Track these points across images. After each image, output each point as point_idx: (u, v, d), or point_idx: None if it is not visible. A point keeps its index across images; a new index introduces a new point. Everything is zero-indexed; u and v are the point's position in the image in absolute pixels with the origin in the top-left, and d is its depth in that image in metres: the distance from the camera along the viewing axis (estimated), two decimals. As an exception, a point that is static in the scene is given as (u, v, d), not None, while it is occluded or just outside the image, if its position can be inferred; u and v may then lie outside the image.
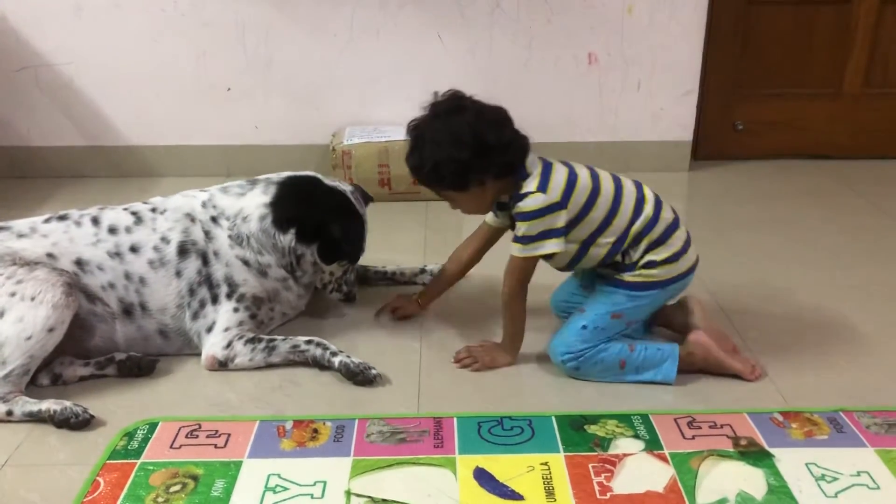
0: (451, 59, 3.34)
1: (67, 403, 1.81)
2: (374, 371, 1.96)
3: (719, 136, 3.65)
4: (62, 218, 2.06)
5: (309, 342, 2.03)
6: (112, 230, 2.04)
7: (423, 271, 2.49)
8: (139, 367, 1.98)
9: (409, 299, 2.26)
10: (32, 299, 1.81)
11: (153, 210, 2.10)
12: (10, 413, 1.80)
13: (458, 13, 3.28)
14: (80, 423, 1.78)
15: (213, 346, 2.02)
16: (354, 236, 2.14)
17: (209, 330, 2.04)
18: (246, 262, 2.07)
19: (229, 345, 2.01)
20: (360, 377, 1.94)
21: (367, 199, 2.30)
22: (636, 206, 1.89)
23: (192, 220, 2.08)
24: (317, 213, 2.09)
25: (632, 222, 1.88)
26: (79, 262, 1.98)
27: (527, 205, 1.82)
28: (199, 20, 3.26)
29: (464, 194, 1.88)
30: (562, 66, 3.37)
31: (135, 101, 3.40)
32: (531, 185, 1.83)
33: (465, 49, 3.33)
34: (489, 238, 2.10)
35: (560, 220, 1.83)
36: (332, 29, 3.29)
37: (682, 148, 3.53)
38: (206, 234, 2.07)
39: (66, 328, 1.86)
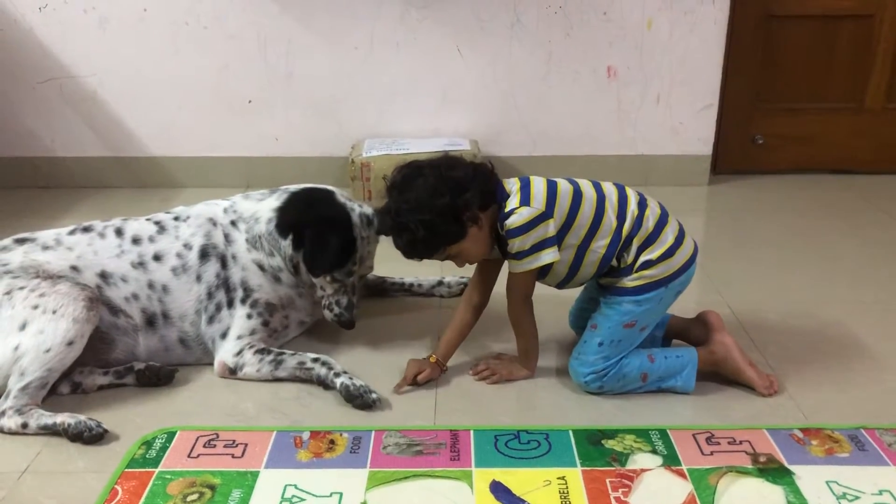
0: (470, 73, 3.36)
1: (82, 417, 1.80)
2: (374, 395, 1.91)
3: (739, 151, 3.63)
4: (86, 230, 2.08)
5: (315, 360, 2.01)
6: (136, 241, 2.07)
7: (440, 283, 2.50)
8: (158, 376, 1.99)
9: (426, 363, 2.02)
10: (54, 312, 1.83)
11: (176, 218, 2.13)
12: (25, 426, 1.80)
13: (477, 27, 3.29)
14: (93, 437, 1.77)
15: (225, 352, 2.04)
16: (325, 245, 2.01)
17: (223, 336, 2.05)
18: (261, 267, 2.09)
19: (240, 353, 2.03)
20: (359, 401, 1.90)
21: (382, 230, 2.07)
22: (619, 205, 1.89)
23: (214, 224, 2.12)
24: (307, 222, 2.04)
25: (620, 222, 1.87)
26: (103, 275, 2.00)
27: (513, 221, 1.82)
28: (221, 33, 3.30)
29: (465, 241, 1.86)
30: (581, 80, 3.38)
31: (157, 113, 3.44)
32: (514, 201, 1.84)
33: (484, 63, 3.35)
34: (489, 275, 2.04)
35: (549, 228, 1.84)
36: (352, 42, 3.32)
37: (702, 162, 3.52)
38: (226, 237, 2.10)
39: (86, 342, 1.88)
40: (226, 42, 3.31)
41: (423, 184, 1.84)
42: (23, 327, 1.82)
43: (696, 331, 2.06)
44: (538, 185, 1.87)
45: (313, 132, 3.45)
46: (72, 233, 2.07)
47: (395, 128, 3.41)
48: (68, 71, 3.35)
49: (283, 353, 2.04)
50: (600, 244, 1.88)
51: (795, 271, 2.68)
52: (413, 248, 1.86)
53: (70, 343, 1.84)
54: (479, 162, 1.94)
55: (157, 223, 2.12)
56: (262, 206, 2.13)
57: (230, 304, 2.07)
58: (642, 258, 1.88)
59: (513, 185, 1.89)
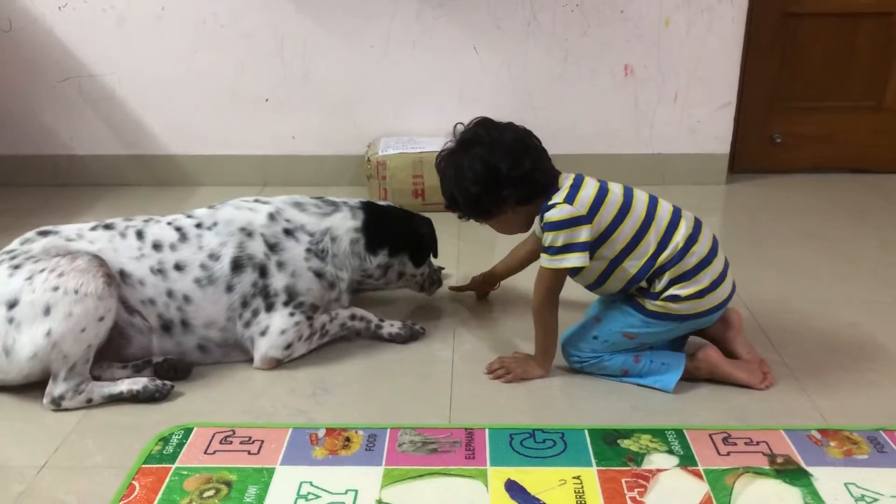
0: (486, 72, 3.35)
1: (143, 380, 1.92)
2: (417, 326, 2.22)
3: (757, 149, 3.61)
4: (108, 227, 2.08)
5: (352, 318, 2.18)
6: (156, 246, 2.04)
7: None
8: (175, 370, 2.01)
9: (478, 280, 2.40)
10: (76, 292, 1.84)
11: (198, 225, 2.09)
12: (90, 401, 1.89)
13: (493, 25, 3.29)
14: (163, 395, 1.93)
15: (271, 348, 2.05)
16: (435, 238, 2.37)
17: (263, 333, 2.05)
18: (319, 275, 2.11)
19: (290, 346, 2.06)
20: (412, 339, 2.20)
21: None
22: (665, 234, 1.87)
23: (249, 234, 2.08)
24: (403, 230, 2.29)
25: (659, 250, 1.86)
26: (121, 274, 1.99)
27: (552, 215, 1.84)
28: (238, 32, 3.31)
29: (491, 221, 1.97)
30: (598, 79, 3.36)
31: (175, 112, 3.46)
32: (559, 196, 1.85)
33: (500, 61, 3.34)
34: (538, 246, 2.09)
35: (583, 234, 1.83)
36: (368, 41, 3.32)
37: (719, 161, 3.49)
38: (272, 246, 2.07)
39: (114, 315, 1.91)
40: (242, 41, 3.32)
41: (468, 162, 1.87)
42: (47, 311, 1.83)
43: (714, 326, 2.04)
44: (588, 189, 1.87)
45: (329, 131, 3.46)
46: (93, 229, 2.07)
47: (411, 126, 3.42)
48: (87, 70, 3.38)
49: (324, 325, 2.13)
50: (632, 264, 1.87)
51: (813, 271, 2.66)
52: (446, 200, 1.99)
53: (101, 319, 1.87)
54: (546, 164, 1.90)
55: (178, 229, 2.08)
56: (336, 223, 2.17)
57: (269, 308, 2.05)
58: (671, 291, 1.87)
59: (566, 179, 1.90)
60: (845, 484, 1.62)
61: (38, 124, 3.47)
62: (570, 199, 1.84)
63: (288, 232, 2.11)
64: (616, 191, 1.89)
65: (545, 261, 1.88)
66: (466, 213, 1.97)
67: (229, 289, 2.04)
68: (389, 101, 3.41)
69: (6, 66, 3.38)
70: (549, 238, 1.85)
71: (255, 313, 2.05)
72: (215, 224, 2.09)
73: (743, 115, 3.50)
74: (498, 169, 1.84)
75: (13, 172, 3.51)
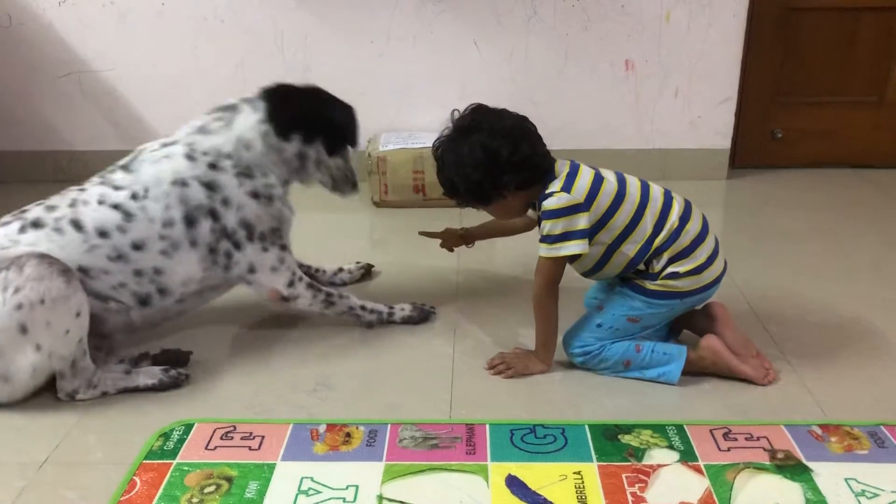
0: (487, 67, 3.35)
1: (156, 370, 1.95)
2: (426, 307, 2.26)
3: (758, 145, 3.61)
4: (36, 225, 1.89)
5: (363, 308, 2.20)
6: (102, 234, 1.91)
7: (340, 270, 2.55)
8: (176, 359, 2.03)
9: (454, 233, 2.36)
10: (42, 302, 1.75)
11: (133, 197, 1.95)
12: (105, 394, 1.91)
13: (494, 21, 3.28)
14: (179, 383, 1.96)
15: (273, 281, 2.07)
16: (354, 119, 2.22)
17: (251, 271, 2.05)
18: (255, 195, 2.02)
19: (292, 284, 2.08)
20: (425, 320, 2.24)
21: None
22: (660, 215, 1.89)
23: (184, 183, 1.97)
24: (314, 112, 2.13)
25: (655, 233, 1.87)
26: (81, 270, 1.87)
27: (550, 203, 1.85)
28: (238, 28, 3.31)
29: (489, 206, 1.97)
30: (598, 74, 3.36)
31: (175, 107, 3.43)
32: (556, 184, 1.86)
33: (501, 56, 3.34)
34: (530, 223, 2.14)
35: (581, 221, 1.84)
36: (368, 36, 3.32)
37: (720, 156, 3.49)
38: (209, 186, 1.98)
39: (88, 304, 1.84)
40: (243, 36, 3.32)
41: (468, 149, 1.87)
42: (24, 331, 1.76)
43: (701, 322, 2.05)
44: (584, 177, 1.88)
45: (330, 126, 3.46)
46: (22, 230, 1.88)
47: (411, 122, 3.41)
48: (87, 65, 3.38)
49: (332, 295, 2.15)
50: (630, 248, 1.88)
51: (814, 266, 2.66)
52: (444, 188, 1.97)
53: (78, 314, 1.82)
54: (543, 150, 1.91)
55: (115, 207, 1.93)
56: (242, 128, 2.03)
57: (238, 246, 2.02)
58: (670, 269, 1.89)
59: (563, 167, 1.90)
60: (846, 479, 1.62)
61: (38, 120, 3.47)
62: (567, 187, 1.85)
63: (212, 166, 1.99)
64: (610, 178, 1.90)
65: (543, 250, 1.89)
66: (466, 200, 1.97)
67: (193, 244, 1.98)
68: (390, 96, 3.41)
69: (6, 61, 3.38)
70: (547, 226, 1.86)
71: (229, 255, 2.03)
72: (147, 189, 1.96)
73: (744, 110, 3.50)
74: (498, 154, 1.85)
75: (13, 169, 3.51)
